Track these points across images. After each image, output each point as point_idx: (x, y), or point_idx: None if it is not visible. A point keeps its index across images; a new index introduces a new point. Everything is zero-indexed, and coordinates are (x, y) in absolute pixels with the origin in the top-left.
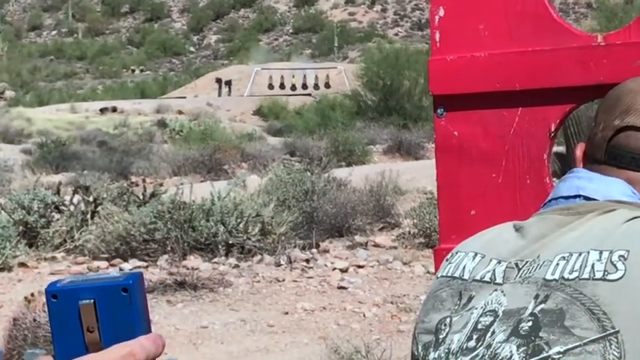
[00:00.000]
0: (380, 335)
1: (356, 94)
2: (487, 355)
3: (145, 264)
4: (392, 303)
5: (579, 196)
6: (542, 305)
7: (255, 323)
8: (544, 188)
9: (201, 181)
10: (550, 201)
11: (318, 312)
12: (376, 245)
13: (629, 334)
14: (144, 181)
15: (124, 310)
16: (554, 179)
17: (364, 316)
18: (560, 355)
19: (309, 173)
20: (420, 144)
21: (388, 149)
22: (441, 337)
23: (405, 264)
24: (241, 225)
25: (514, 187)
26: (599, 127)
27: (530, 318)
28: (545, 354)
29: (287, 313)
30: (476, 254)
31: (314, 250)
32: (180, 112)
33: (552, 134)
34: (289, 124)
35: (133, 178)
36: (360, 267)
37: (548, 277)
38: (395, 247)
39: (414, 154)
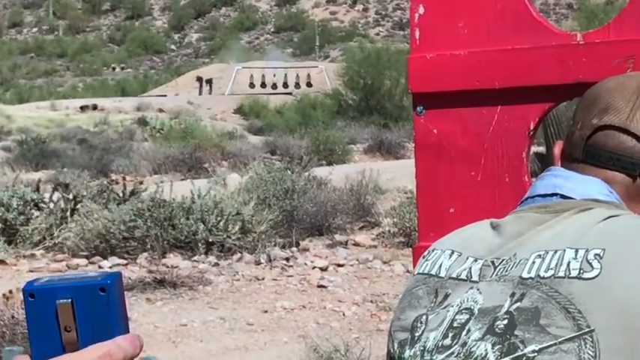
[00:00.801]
0: (359, 334)
1: (337, 93)
2: (462, 353)
3: (124, 262)
4: (371, 302)
5: (556, 194)
6: (518, 304)
7: (234, 321)
8: (523, 186)
9: (182, 180)
10: (527, 199)
11: (297, 310)
12: (356, 244)
13: (604, 332)
14: (124, 179)
15: (101, 310)
16: (533, 179)
17: (344, 314)
18: (535, 354)
19: (289, 172)
20: (401, 143)
21: (369, 148)
22: (416, 334)
23: (384, 263)
24: (221, 223)
25: (493, 185)
26: (577, 126)
27: (505, 316)
28: (520, 352)
29: (266, 311)
30: (452, 252)
31: (294, 249)
32: (160, 111)
33: (531, 133)
34: (270, 123)
35: (113, 176)
36: (339, 266)
37: (525, 275)
38: (375, 246)
39: (395, 153)
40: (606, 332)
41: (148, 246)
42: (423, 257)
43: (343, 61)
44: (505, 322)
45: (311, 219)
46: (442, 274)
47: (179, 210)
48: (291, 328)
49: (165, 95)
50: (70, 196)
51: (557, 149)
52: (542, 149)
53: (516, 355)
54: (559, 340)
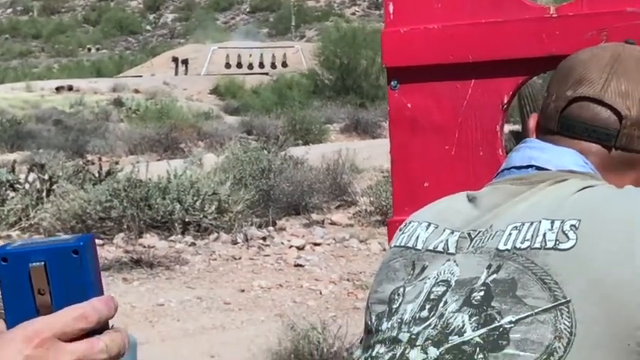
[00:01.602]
0: (336, 312)
1: (313, 73)
2: (439, 325)
3: (100, 242)
4: (348, 280)
5: (531, 166)
6: (495, 275)
7: (211, 301)
8: (497, 160)
9: (158, 160)
10: (503, 171)
11: (274, 289)
12: (333, 223)
13: (579, 303)
14: (100, 159)
15: (75, 272)
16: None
17: (321, 293)
18: (512, 325)
19: (265, 152)
20: (377, 123)
21: (345, 128)
22: (394, 307)
23: (361, 242)
24: (198, 203)
25: (467, 159)
26: (551, 98)
27: (482, 288)
28: (497, 323)
29: (243, 290)
30: (429, 224)
31: (270, 228)
32: (136, 91)
33: (505, 106)
34: (246, 103)
35: (89, 157)
36: (316, 245)
37: (501, 247)
38: (351, 225)
39: (371, 132)
40: (582, 302)
41: (125, 226)
42: (400, 230)
43: (319, 40)
44: (482, 293)
45: (287, 198)
46: (419, 247)
47: (155, 190)
48: (268, 307)
49: (140, 76)
50: (46, 177)
51: (532, 122)
52: (518, 127)
53: (493, 326)
54: (535, 310)
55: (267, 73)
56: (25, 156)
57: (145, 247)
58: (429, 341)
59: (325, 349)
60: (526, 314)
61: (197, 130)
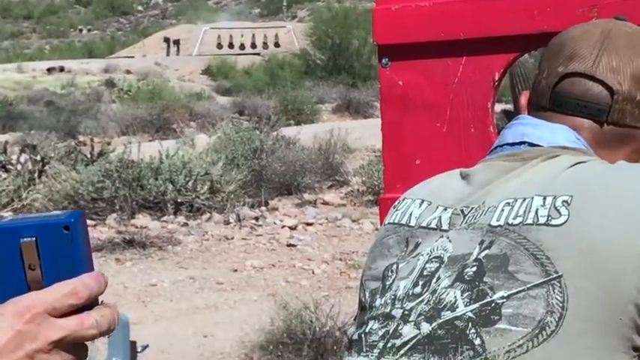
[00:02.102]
0: (329, 292)
1: (305, 53)
2: (432, 301)
3: (93, 223)
4: (341, 260)
5: (524, 142)
6: (487, 251)
7: (204, 281)
8: (488, 137)
9: (150, 141)
10: (496, 148)
11: (267, 269)
12: (325, 203)
13: (572, 278)
14: (92, 140)
15: (65, 248)
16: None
17: (313, 273)
18: (504, 300)
19: (257, 132)
20: (369, 103)
21: (337, 108)
22: (387, 283)
23: (353, 221)
24: (190, 183)
25: (458, 136)
26: (543, 75)
27: (474, 263)
28: (489, 298)
29: (236, 270)
30: (422, 201)
31: (263, 208)
32: (128, 72)
33: (496, 83)
34: (238, 84)
35: (81, 138)
36: (309, 224)
37: (493, 223)
38: (344, 205)
39: (363, 112)
40: (574, 277)
41: (117, 207)
42: (394, 207)
43: (311, 21)
44: (474, 269)
45: (280, 178)
46: (412, 223)
47: (147, 170)
48: (260, 286)
49: (132, 57)
50: (38, 158)
51: (523, 99)
52: (510, 107)
53: (485, 301)
54: (527, 286)
55: (258, 54)
56: (17, 137)
57: (137, 227)
58: (422, 317)
59: (318, 329)
60: (518, 289)
61: (189, 110)
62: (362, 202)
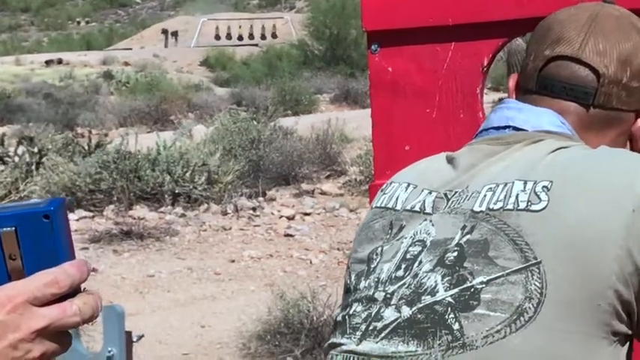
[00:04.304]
0: (326, 281)
1: (303, 43)
2: (413, 284)
3: (91, 214)
4: (338, 249)
5: (509, 126)
6: (468, 236)
7: (201, 271)
8: (477, 122)
9: (148, 132)
10: (481, 132)
11: (264, 259)
12: (322, 193)
13: (550, 264)
14: (90, 132)
15: (46, 237)
16: None
17: (311, 262)
18: (483, 285)
19: (255, 122)
20: (367, 93)
21: (335, 98)
22: (372, 266)
23: (351, 211)
24: (187, 174)
25: (448, 122)
26: (530, 58)
27: (455, 248)
28: (468, 284)
29: (234, 261)
30: (409, 185)
31: (260, 199)
32: (126, 64)
33: (485, 69)
34: (236, 75)
35: (79, 130)
36: (306, 214)
37: (476, 208)
38: (341, 195)
39: (361, 102)
40: (553, 263)
41: (115, 198)
42: (381, 190)
43: (309, 11)
44: (455, 254)
45: (277, 169)
46: (398, 207)
47: (145, 162)
48: (258, 276)
49: (130, 49)
50: (35, 150)
51: (511, 82)
52: (506, 95)
53: (465, 286)
54: (506, 271)
55: (256, 45)
56: (15, 130)
57: (135, 218)
58: (403, 300)
59: (315, 318)
60: (497, 275)
61: (187, 101)
62: (359, 191)
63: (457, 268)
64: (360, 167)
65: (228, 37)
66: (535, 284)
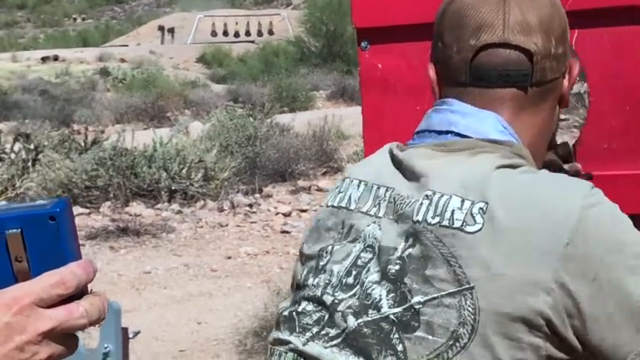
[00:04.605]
0: None
1: (299, 40)
2: (361, 295)
3: (87, 211)
4: None
5: (451, 132)
6: (410, 250)
7: (198, 268)
8: None
9: (144, 129)
10: (423, 131)
11: (261, 256)
12: (319, 189)
13: (482, 291)
14: (86, 129)
15: (52, 238)
16: None
17: None
18: (421, 306)
19: (251, 119)
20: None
21: (332, 95)
22: (321, 263)
23: None
24: (184, 171)
25: None
26: (452, 49)
27: (398, 262)
28: (408, 303)
29: (230, 257)
30: (360, 182)
31: (257, 195)
32: (122, 61)
33: None
34: (233, 72)
35: (76, 127)
36: (303, 211)
37: (415, 218)
38: None
39: (358, 99)
40: (484, 290)
41: (111, 195)
42: (336, 187)
43: (305, 8)
44: (397, 267)
45: (274, 165)
46: (351, 207)
47: (141, 158)
48: (254, 273)
49: (127, 45)
50: (32, 147)
51: (432, 72)
52: None
53: (406, 305)
54: (441, 293)
55: (253, 41)
56: (12, 126)
57: (131, 215)
58: (350, 310)
59: None
60: (433, 296)
61: (183, 98)
62: None
63: (399, 284)
64: (356, 164)
65: (225, 33)
66: (469, 309)
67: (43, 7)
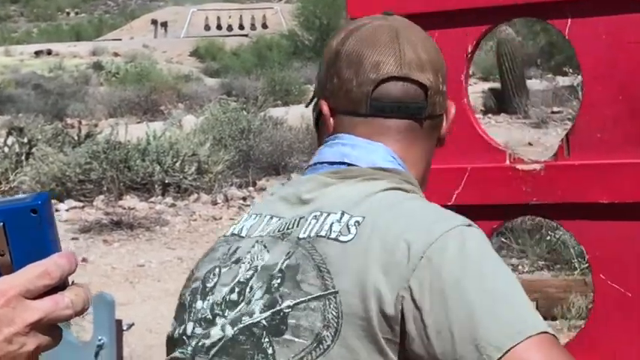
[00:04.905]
0: None
1: (293, 34)
2: (247, 312)
3: (81, 204)
4: None
5: (344, 163)
6: (287, 261)
7: (192, 261)
8: (462, 109)
9: (138, 123)
10: (316, 164)
11: None
12: None
13: (346, 297)
14: (80, 123)
15: (34, 231)
16: (488, 114)
17: None
18: (290, 310)
19: (245, 112)
20: None
21: None
22: (208, 285)
23: None
24: (177, 164)
25: None
26: (351, 83)
27: (279, 275)
28: (278, 307)
29: None
30: (256, 215)
31: (251, 188)
32: (116, 55)
33: (470, 55)
34: (226, 65)
35: (69, 121)
36: None
37: (301, 235)
38: None
39: None
40: (348, 295)
41: (104, 188)
42: (234, 221)
43: (298, 1)
44: (279, 280)
45: (267, 158)
46: (242, 234)
47: (135, 152)
48: None
49: (120, 39)
50: (25, 140)
51: (325, 108)
52: (497, 85)
53: (275, 309)
54: (308, 297)
55: (246, 35)
56: (5, 120)
57: (125, 208)
58: (228, 321)
59: None
60: (300, 300)
61: (177, 92)
62: None
63: (274, 290)
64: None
65: (218, 27)
66: (332, 313)
67: (36, 1)
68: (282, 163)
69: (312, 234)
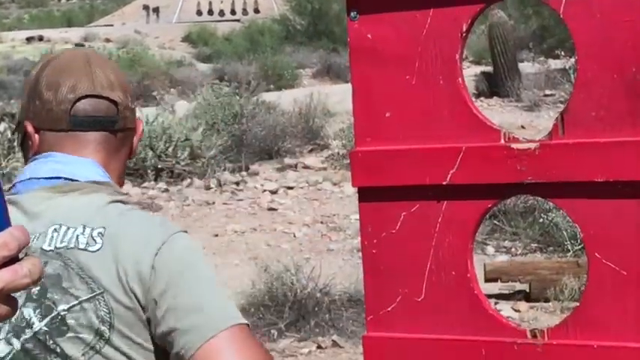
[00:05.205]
0: (310, 254)
1: (285, 18)
2: (15, 319)
3: None
4: (322, 223)
5: (60, 177)
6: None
7: None
8: (457, 88)
9: None
10: (30, 179)
11: (248, 233)
12: (306, 167)
13: (110, 294)
14: None
15: None
16: (481, 98)
17: (294, 236)
18: (66, 312)
19: (237, 97)
20: (349, 66)
21: (317, 73)
22: None
23: (334, 184)
24: (170, 149)
25: (427, 88)
26: (52, 103)
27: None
28: (55, 312)
29: (217, 235)
30: None
31: (244, 173)
32: (107, 40)
33: (464, 34)
34: (218, 50)
35: None
36: (289, 188)
37: (45, 247)
38: (324, 168)
39: (343, 77)
40: (112, 293)
41: None
42: None
43: None
44: (38, 288)
45: (260, 143)
46: None
47: None
48: (242, 250)
49: (111, 25)
50: None
51: (30, 127)
52: (489, 69)
53: (53, 314)
54: (79, 300)
55: (238, 20)
56: None
57: None
58: (11, 333)
59: (299, 291)
60: (74, 303)
61: (169, 77)
62: (342, 165)
63: (43, 299)
64: (342, 141)
65: (210, 12)
66: (104, 310)
67: None
68: (275, 147)
69: (59, 245)
